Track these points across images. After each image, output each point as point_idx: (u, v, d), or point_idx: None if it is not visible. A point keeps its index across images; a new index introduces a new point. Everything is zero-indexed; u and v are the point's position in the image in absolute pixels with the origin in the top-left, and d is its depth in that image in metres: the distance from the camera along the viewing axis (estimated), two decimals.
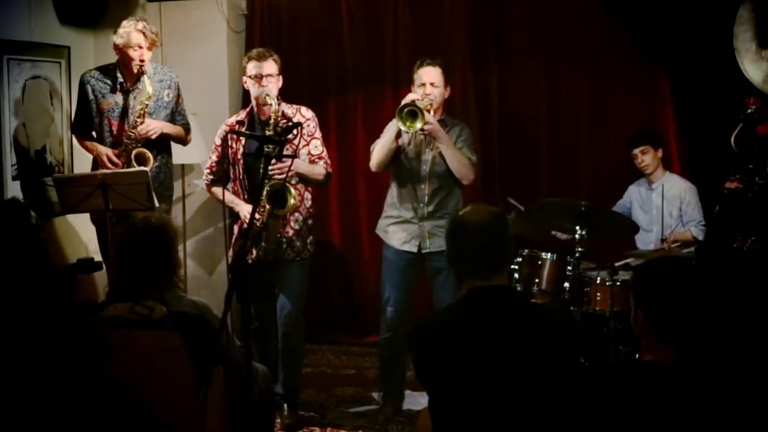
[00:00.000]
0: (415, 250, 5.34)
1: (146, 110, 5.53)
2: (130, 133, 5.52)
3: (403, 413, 5.51)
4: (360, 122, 6.95)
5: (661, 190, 5.84)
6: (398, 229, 5.41)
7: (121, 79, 5.65)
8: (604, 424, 2.68)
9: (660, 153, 6.08)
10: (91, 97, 5.68)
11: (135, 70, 5.57)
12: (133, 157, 5.48)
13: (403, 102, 5.12)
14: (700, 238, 5.86)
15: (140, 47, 5.54)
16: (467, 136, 5.40)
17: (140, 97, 5.56)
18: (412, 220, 5.37)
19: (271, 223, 5.10)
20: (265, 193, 5.00)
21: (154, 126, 5.59)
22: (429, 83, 5.27)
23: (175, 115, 5.84)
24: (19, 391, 3.48)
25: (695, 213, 5.97)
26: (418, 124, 5.04)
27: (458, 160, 5.24)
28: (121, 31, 5.57)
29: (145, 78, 5.53)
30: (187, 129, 5.90)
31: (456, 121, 5.47)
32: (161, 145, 5.75)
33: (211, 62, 6.96)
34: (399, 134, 5.22)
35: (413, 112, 5.05)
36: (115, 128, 5.63)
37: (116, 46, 5.59)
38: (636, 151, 6.08)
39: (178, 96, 5.85)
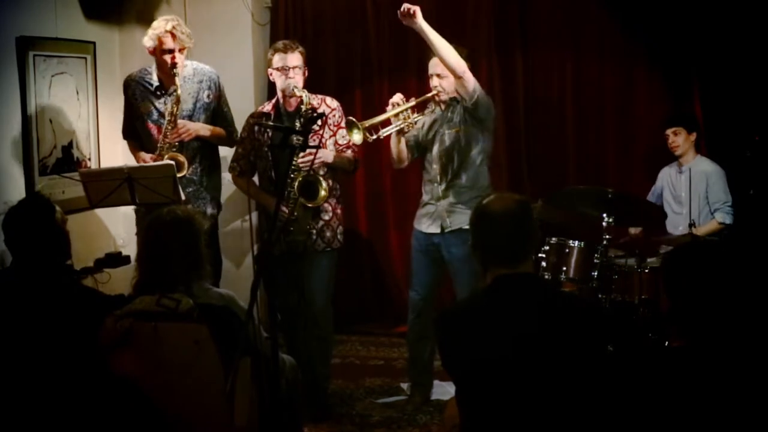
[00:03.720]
0: (438, 230, 5.33)
1: (176, 114, 5.41)
2: (165, 135, 5.43)
3: (432, 403, 5.51)
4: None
5: (689, 173, 5.82)
6: (423, 212, 5.45)
7: (157, 83, 5.58)
8: (631, 413, 2.67)
9: (693, 137, 6.07)
10: (132, 101, 5.66)
11: (167, 71, 5.44)
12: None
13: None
14: (727, 221, 5.87)
15: (170, 50, 5.39)
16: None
17: (171, 101, 5.46)
18: (431, 201, 5.39)
19: (300, 214, 5.11)
20: (296, 185, 5.03)
21: (189, 128, 5.47)
22: (435, 75, 5.28)
23: (217, 118, 5.69)
24: (40, 385, 3.51)
25: (720, 194, 5.95)
26: (356, 137, 5.06)
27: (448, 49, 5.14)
28: (150, 32, 5.42)
29: (177, 81, 5.39)
30: (229, 130, 5.72)
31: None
32: (202, 149, 5.64)
33: (236, 55, 6.95)
34: (401, 132, 5.25)
35: (351, 123, 5.08)
36: (154, 132, 5.56)
37: (148, 49, 5.48)
38: (669, 131, 6.10)
39: (220, 97, 5.70)
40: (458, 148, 5.30)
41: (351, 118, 5.14)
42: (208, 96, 5.65)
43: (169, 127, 5.42)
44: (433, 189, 5.37)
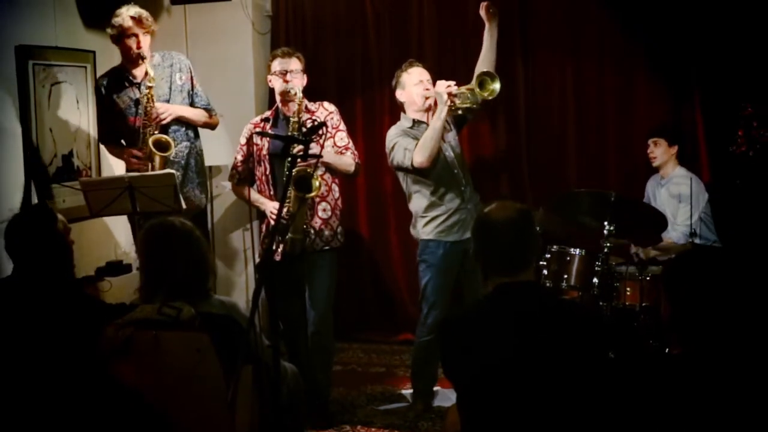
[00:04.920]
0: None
1: (152, 93, 5.45)
2: (145, 121, 5.45)
3: (434, 410, 5.51)
4: (387, 119, 6.92)
5: (669, 185, 5.84)
6: (452, 222, 5.37)
7: (126, 74, 5.62)
8: (631, 420, 2.67)
9: (674, 150, 6.04)
10: (109, 100, 5.67)
11: (134, 57, 5.49)
12: (151, 144, 5.41)
13: (476, 78, 5.23)
14: (681, 242, 5.82)
15: (135, 34, 5.44)
16: None
17: (145, 85, 5.48)
18: (461, 206, 5.38)
19: (297, 210, 5.08)
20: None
21: (167, 109, 5.51)
22: (427, 80, 5.46)
23: (194, 97, 5.75)
24: (40, 393, 3.51)
25: (688, 209, 5.75)
26: (497, 85, 5.17)
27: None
28: (113, 21, 5.46)
29: (145, 63, 5.44)
30: (208, 110, 5.79)
31: None
32: (185, 129, 5.69)
33: (237, 64, 6.97)
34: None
35: (485, 81, 5.18)
36: (135, 124, 5.57)
37: (113, 39, 5.52)
38: (650, 141, 6.11)
39: (192, 78, 5.75)
40: (461, 152, 5.49)
41: (486, 71, 5.25)
42: (181, 78, 5.71)
43: (149, 106, 5.45)
44: (462, 193, 5.38)
